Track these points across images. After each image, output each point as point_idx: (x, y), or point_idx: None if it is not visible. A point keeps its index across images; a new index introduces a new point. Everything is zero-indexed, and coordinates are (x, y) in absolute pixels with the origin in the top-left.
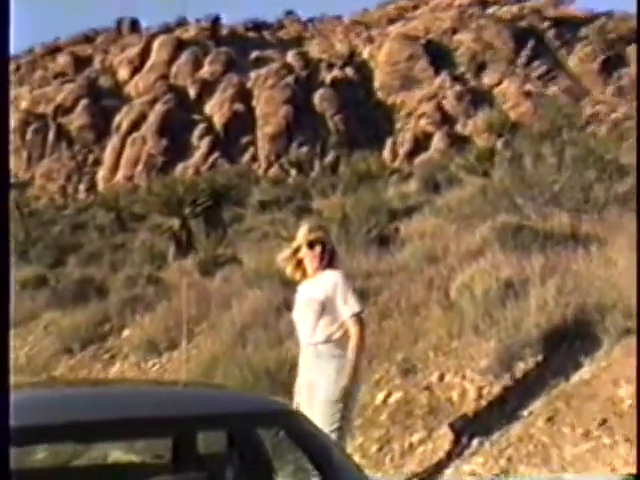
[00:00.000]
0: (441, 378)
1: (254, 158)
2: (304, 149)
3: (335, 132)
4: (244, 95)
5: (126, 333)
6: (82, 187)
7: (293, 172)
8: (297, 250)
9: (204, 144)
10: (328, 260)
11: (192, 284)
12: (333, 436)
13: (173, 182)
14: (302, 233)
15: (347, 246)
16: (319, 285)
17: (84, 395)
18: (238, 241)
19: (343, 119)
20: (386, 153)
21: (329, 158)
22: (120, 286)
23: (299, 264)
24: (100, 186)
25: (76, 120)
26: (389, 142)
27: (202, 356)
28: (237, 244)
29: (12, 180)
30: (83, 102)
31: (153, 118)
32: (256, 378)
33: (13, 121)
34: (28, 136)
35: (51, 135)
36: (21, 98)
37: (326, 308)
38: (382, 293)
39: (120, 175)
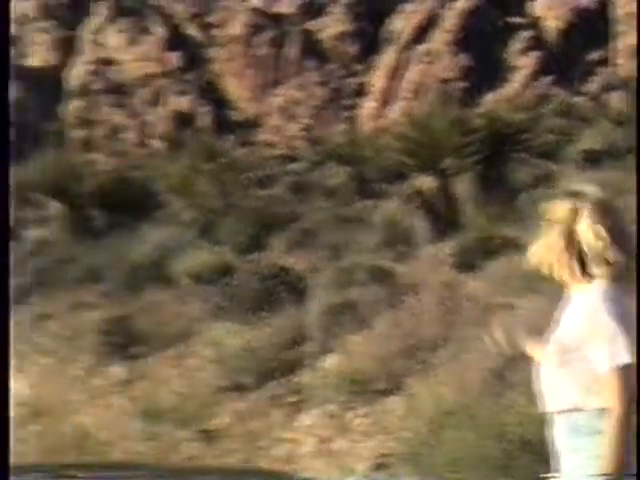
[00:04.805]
0: None
1: (607, 86)
2: None
3: None
4: None
5: (328, 362)
6: (337, 128)
7: None
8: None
9: (529, 62)
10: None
11: (443, 284)
12: None
13: (429, 117)
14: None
15: None
16: (574, 307)
17: None
18: (532, 216)
19: None
20: None
21: None
22: (328, 285)
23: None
24: (366, 126)
25: (331, 25)
26: None
27: (432, 405)
28: (528, 221)
29: (232, 116)
30: None
31: (450, 22)
32: (505, 451)
33: (237, 26)
34: (258, 50)
35: (292, 48)
36: None
37: (579, 348)
38: None
39: (396, 110)
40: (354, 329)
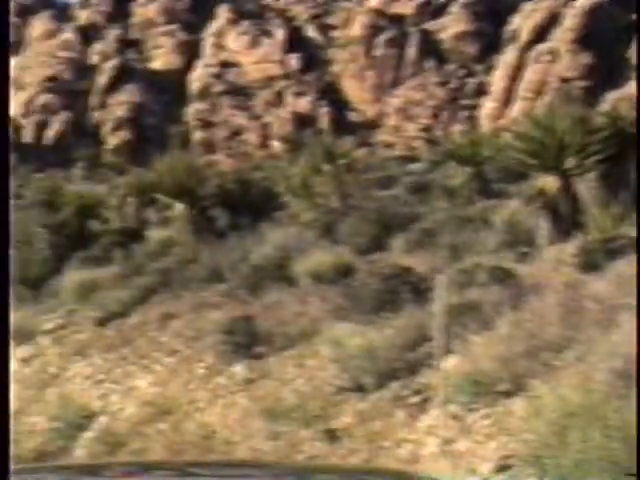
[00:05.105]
0: None
1: None
2: None
3: None
4: None
5: (449, 363)
6: (456, 128)
7: None
8: None
9: None
10: None
11: (566, 285)
12: None
13: (552, 117)
14: None
15: None
16: None
17: None
18: None
19: None
20: None
21: None
22: (450, 285)
23: None
24: (484, 126)
25: (450, 25)
26: None
27: (555, 407)
28: None
29: (351, 117)
30: None
31: (571, 21)
32: (632, 453)
33: (356, 27)
34: (378, 50)
35: (412, 49)
36: None
37: None
38: None
39: (516, 109)
40: (476, 330)
